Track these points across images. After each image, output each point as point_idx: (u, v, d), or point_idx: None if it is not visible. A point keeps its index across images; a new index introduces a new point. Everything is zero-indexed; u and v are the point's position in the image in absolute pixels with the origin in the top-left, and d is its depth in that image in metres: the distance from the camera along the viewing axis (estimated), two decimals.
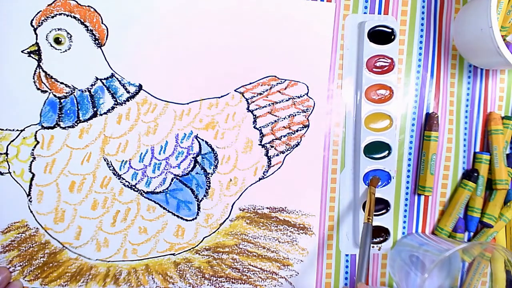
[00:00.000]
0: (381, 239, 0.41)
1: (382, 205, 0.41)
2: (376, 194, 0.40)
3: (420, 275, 0.35)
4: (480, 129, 0.42)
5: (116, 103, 0.37)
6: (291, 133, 0.40)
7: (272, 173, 0.40)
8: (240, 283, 0.40)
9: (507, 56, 0.35)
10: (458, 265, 0.42)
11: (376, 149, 0.40)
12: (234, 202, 0.40)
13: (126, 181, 0.38)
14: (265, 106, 0.39)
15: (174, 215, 0.39)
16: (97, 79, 0.37)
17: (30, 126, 0.37)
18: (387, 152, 0.40)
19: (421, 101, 0.41)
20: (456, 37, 0.41)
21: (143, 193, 0.38)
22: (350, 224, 0.41)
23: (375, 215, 0.40)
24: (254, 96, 0.39)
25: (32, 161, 0.37)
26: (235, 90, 0.39)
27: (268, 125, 0.39)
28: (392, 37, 0.39)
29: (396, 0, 0.40)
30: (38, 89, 0.37)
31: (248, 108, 0.39)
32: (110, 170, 0.38)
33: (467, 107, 0.42)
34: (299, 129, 0.40)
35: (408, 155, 0.42)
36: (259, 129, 0.39)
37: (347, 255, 0.42)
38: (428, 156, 0.41)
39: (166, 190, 0.39)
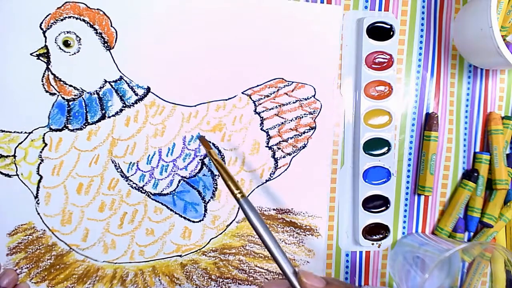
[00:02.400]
0: (381, 236, 0.41)
1: (381, 201, 0.41)
2: (376, 191, 0.40)
3: (421, 275, 0.36)
4: (480, 129, 0.43)
5: (124, 105, 0.38)
6: (298, 135, 0.40)
7: (279, 175, 0.40)
8: (247, 284, 0.40)
9: (507, 56, 0.35)
10: (458, 265, 0.42)
11: (376, 145, 0.40)
12: None
13: (133, 183, 0.38)
14: (272, 108, 0.40)
15: (181, 216, 0.39)
16: (105, 81, 0.37)
17: (38, 128, 0.37)
18: (386, 148, 0.40)
19: (421, 101, 0.42)
20: (456, 37, 0.41)
21: (150, 194, 0.39)
22: (350, 221, 0.42)
23: (375, 212, 0.41)
24: (261, 98, 0.39)
25: (40, 163, 0.37)
26: (242, 93, 0.39)
27: (275, 127, 0.40)
28: (391, 33, 0.39)
29: (396, 0, 0.41)
30: (47, 91, 0.37)
31: (255, 110, 0.39)
32: (118, 172, 0.38)
33: (467, 107, 0.42)
34: (305, 131, 0.40)
35: (408, 155, 0.42)
36: (266, 131, 0.40)
37: (347, 254, 0.42)
38: (428, 156, 0.41)
39: (173, 191, 0.39)
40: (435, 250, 0.36)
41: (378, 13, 0.40)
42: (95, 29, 0.37)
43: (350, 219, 0.42)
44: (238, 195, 0.30)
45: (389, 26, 0.39)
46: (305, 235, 0.41)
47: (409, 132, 0.42)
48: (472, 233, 0.44)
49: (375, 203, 0.41)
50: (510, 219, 0.43)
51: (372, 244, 0.41)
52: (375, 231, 0.41)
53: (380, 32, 0.39)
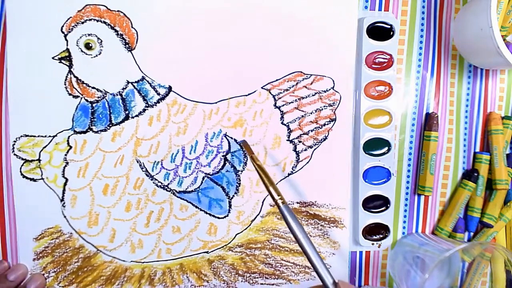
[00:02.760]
0: (381, 236, 0.41)
1: (381, 201, 0.41)
2: (376, 191, 0.40)
3: (421, 275, 0.36)
4: (480, 129, 0.43)
5: (147, 105, 0.38)
6: (318, 127, 0.40)
7: (301, 168, 0.40)
8: (274, 278, 0.41)
9: (507, 56, 0.35)
10: (458, 265, 0.42)
11: (376, 145, 0.40)
12: (264, 198, 0.40)
13: (158, 182, 0.38)
14: (291, 102, 0.40)
15: (206, 213, 0.39)
16: (128, 82, 0.38)
17: (62, 131, 0.37)
18: (386, 148, 0.40)
19: (421, 101, 0.42)
20: (456, 37, 0.41)
21: (175, 192, 0.39)
22: (350, 221, 0.42)
23: (375, 211, 0.41)
24: (280, 93, 0.40)
25: (65, 166, 0.37)
26: (262, 87, 0.40)
27: (295, 121, 0.40)
28: (391, 33, 0.40)
29: (396, 0, 0.41)
30: (70, 94, 0.37)
31: (275, 105, 0.40)
32: (143, 171, 0.38)
33: (467, 107, 0.43)
34: (326, 123, 0.40)
35: (408, 155, 0.42)
36: (287, 124, 0.40)
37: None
38: (428, 156, 0.41)
39: (198, 189, 0.39)
40: (435, 250, 0.36)
41: (378, 13, 0.41)
42: (116, 31, 0.37)
43: (350, 219, 0.42)
44: (279, 201, 0.31)
45: (389, 26, 0.40)
46: (329, 227, 0.41)
47: (409, 132, 0.42)
48: (472, 233, 0.44)
49: (375, 203, 0.41)
50: (510, 219, 0.43)
51: (372, 244, 0.41)
52: (375, 231, 0.41)
53: (380, 32, 0.40)
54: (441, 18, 0.42)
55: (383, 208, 0.41)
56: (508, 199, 0.43)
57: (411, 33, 0.41)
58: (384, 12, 0.41)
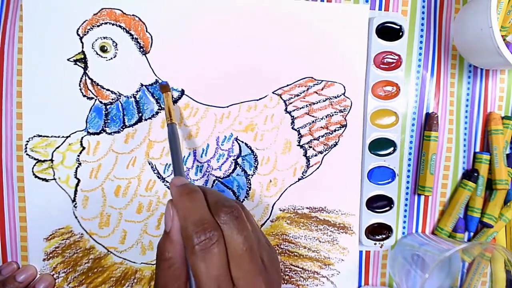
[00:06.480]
0: (384, 236, 0.41)
1: (385, 201, 0.41)
2: (380, 191, 0.40)
3: (421, 275, 0.36)
4: (480, 129, 0.43)
5: (160, 108, 0.38)
6: (329, 133, 0.41)
7: (311, 173, 0.41)
8: (282, 283, 0.41)
9: (507, 56, 0.35)
10: (458, 265, 0.42)
11: (381, 145, 0.40)
12: (274, 203, 0.40)
13: None
14: (302, 107, 0.40)
15: None
16: (142, 85, 0.38)
17: (76, 132, 0.38)
18: (392, 149, 0.41)
19: (421, 101, 0.42)
20: (456, 37, 0.42)
21: None
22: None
23: (378, 211, 0.41)
24: (291, 98, 0.40)
25: (78, 166, 0.38)
26: (273, 92, 0.40)
27: (306, 126, 0.40)
28: (400, 33, 0.40)
29: (396, 0, 0.41)
30: (84, 96, 0.37)
31: (286, 110, 0.40)
32: (155, 173, 0.38)
33: (467, 107, 0.43)
34: (336, 129, 0.41)
35: (408, 155, 0.42)
36: (297, 130, 0.40)
37: None
38: (428, 156, 0.41)
39: None
40: (435, 250, 0.36)
41: (387, 13, 0.41)
42: (131, 35, 0.38)
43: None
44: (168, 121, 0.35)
45: (398, 27, 0.40)
46: (339, 233, 0.41)
47: (409, 132, 0.42)
48: (472, 233, 0.44)
49: (379, 203, 0.41)
50: (510, 219, 0.43)
51: (375, 244, 0.41)
52: (377, 231, 0.41)
53: (388, 32, 0.40)
54: (441, 18, 0.42)
55: (386, 209, 0.41)
56: (508, 199, 0.43)
57: (411, 33, 0.41)
58: (393, 12, 0.41)
